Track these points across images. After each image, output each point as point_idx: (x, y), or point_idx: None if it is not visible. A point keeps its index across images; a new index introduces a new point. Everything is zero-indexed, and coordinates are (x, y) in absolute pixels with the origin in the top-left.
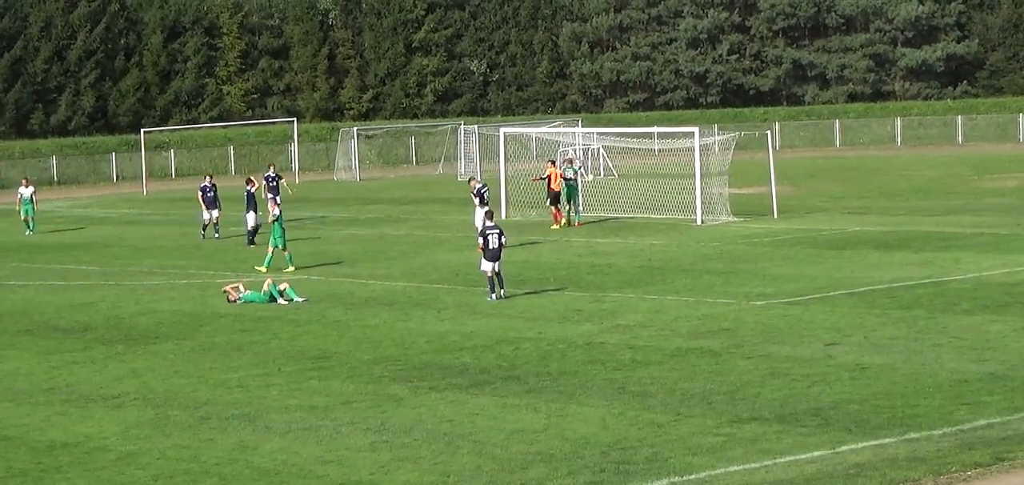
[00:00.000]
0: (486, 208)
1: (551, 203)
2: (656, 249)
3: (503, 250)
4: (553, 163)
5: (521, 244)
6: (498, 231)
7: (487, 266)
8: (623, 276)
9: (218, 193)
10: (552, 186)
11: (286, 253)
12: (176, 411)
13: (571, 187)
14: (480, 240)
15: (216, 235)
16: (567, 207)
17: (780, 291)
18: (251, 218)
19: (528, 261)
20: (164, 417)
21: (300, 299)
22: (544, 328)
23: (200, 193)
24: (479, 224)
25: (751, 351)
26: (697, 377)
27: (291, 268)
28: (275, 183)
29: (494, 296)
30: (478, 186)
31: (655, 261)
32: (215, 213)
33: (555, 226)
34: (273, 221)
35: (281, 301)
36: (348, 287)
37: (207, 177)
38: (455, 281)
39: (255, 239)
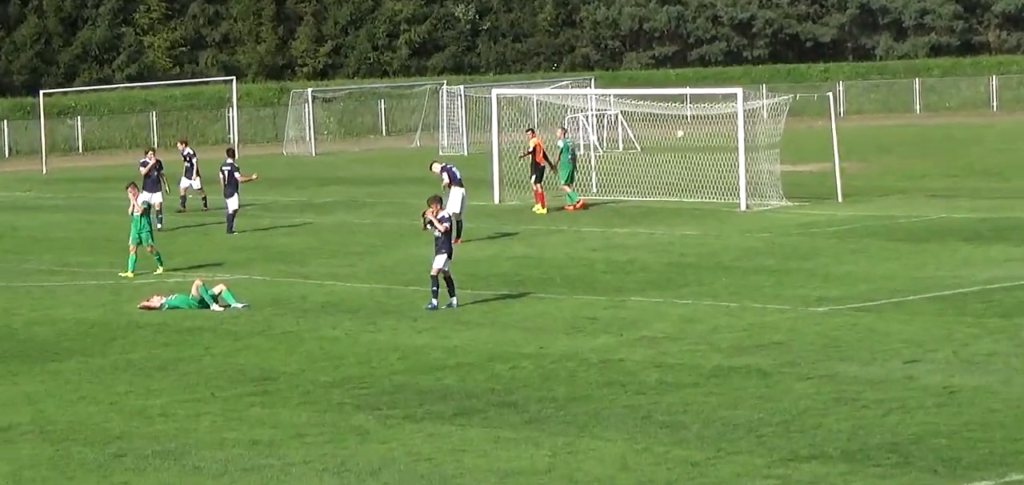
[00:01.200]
0: (460, 188)
1: (535, 181)
2: (689, 241)
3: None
4: (533, 131)
5: (507, 234)
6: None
7: (441, 262)
8: (648, 275)
9: (163, 174)
10: (537, 159)
11: (152, 252)
12: (82, 447)
13: (564, 163)
14: (440, 227)
15: (159, 225)
16: (569, 189)
17: (846, 294)
18: (232, 202)
19: (528, 256)
20: (66, 455)
21: (240, 305)
22: (548, 341)
23: (142, 168)
24: (457, 208)
25: (810, 370)
26: (742, 403)
27: (159, 270)
28: (190, 162)
29: (435, 302)
30: (442, 166)
31: (688, 256)
32: (158, 197)
33: (538, 209)
34: (141, 213)
35: (215, 307)
36: (300, 289)
37: (149, 152)
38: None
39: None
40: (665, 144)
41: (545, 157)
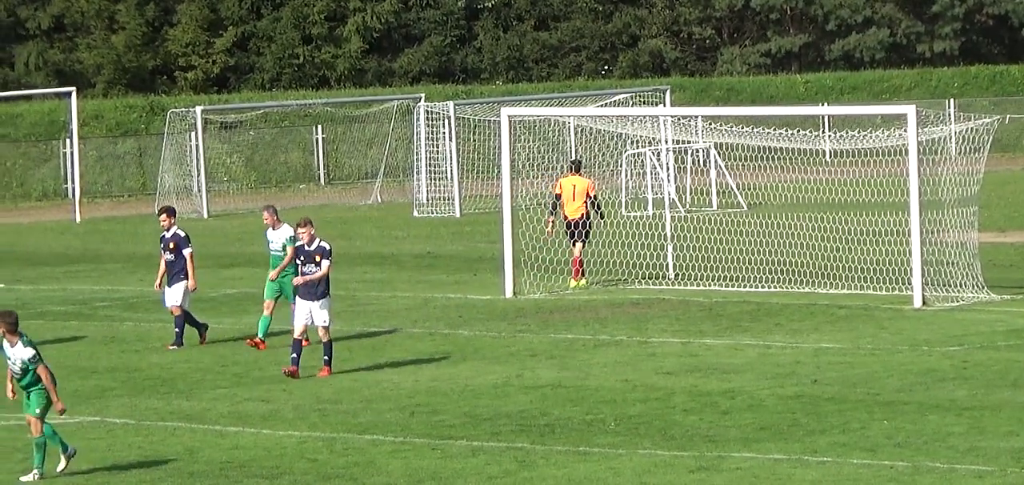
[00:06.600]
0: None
1: (572, 239)
2: (828, 360)
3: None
4: (577, 169)
5: (525, 351)
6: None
7: (303, 318)
8: (759, 416)
9: None
10: (565, 211)
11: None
12: None
13: (276, 264)
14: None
15: None
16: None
17: None
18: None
19: (561, 385)
20: None
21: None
22: None
23: None
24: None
25: None
26: None
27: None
28: None
29: (295, 366)
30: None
31: (826, 385)
32: None
33: (574, 283)
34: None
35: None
36: (185, 440)
37: None
38: (411, 429)
39: None
40: (790, 198)
41: (593, 202)
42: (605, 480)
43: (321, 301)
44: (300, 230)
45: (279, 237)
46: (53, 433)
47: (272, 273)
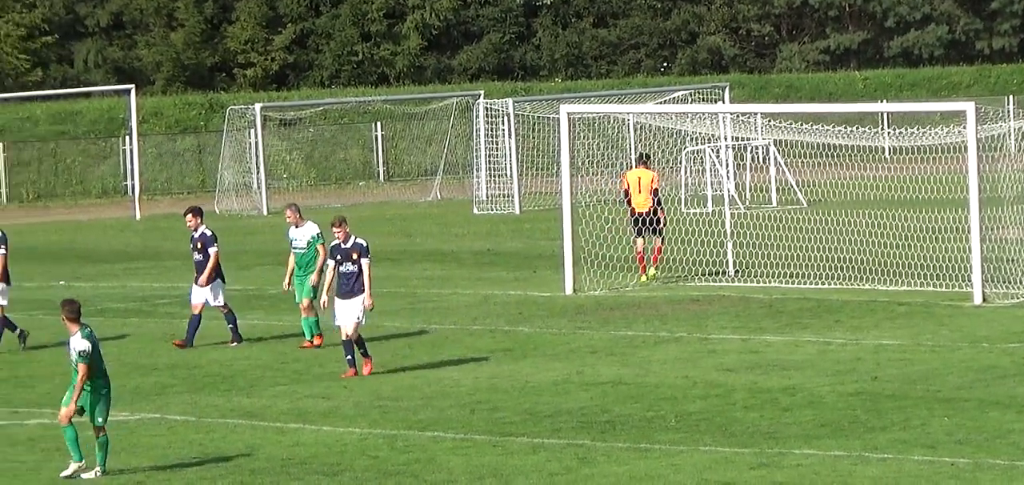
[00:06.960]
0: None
1: (637, 232)
2: (888, 356)
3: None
4: (646, 162)
5: (585, 348)
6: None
7: (345, 318)
8: (819, 413)
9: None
10: (632, 204)
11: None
12: None
13: (307, 271)
14: (330, 265)
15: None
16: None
17: None
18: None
19: (622, 382)
20: None
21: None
22: None
23: None
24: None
25: None
26: None
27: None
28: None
29: (352, 369)
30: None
31: (885, 381)
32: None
33: (644, 277)
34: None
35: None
36: (247, 437)
37: None
38: (472, 426)
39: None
40: (849, 194)
41: (655, 197)
42: (666, 477)
43: (359, 297)
44: (335, 229)
45: (303, 235)
46: (74, 439)
47: (313, 276)
